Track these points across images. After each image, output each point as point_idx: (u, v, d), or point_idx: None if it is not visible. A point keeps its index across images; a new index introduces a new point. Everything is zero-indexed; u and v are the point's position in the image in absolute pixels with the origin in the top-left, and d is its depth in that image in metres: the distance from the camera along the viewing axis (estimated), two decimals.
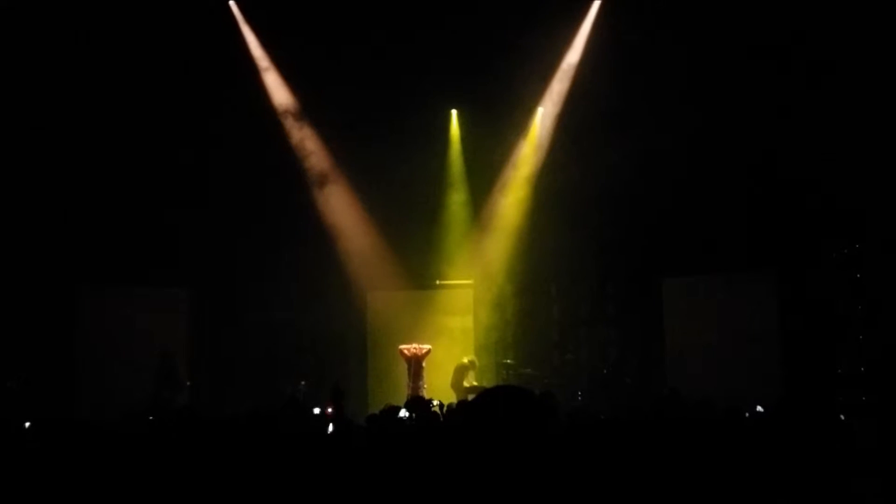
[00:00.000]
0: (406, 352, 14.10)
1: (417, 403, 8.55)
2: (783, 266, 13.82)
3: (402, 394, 13.54)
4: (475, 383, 14.00)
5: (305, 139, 15.34)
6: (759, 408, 8.50)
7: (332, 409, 9.55)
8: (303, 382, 13.89)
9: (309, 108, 15.24)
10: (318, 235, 15.11)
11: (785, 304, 13.76)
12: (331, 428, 6.88)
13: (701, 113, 13.63)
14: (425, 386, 13.86)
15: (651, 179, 14.25)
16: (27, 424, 6.83)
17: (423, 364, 14.09)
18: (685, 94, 13.67)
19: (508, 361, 14.70)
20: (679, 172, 14.04)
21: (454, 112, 15.66)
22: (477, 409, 2.49)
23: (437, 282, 15.55)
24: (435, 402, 10.33)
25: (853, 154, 13.00)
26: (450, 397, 13.49)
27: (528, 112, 15.34)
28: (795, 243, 13.70)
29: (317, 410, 9.94)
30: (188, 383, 14.24)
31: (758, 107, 13.52)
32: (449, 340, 15.14)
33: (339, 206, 15.44)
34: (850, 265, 13.34)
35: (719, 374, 13.41)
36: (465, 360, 14.49)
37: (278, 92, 15.24)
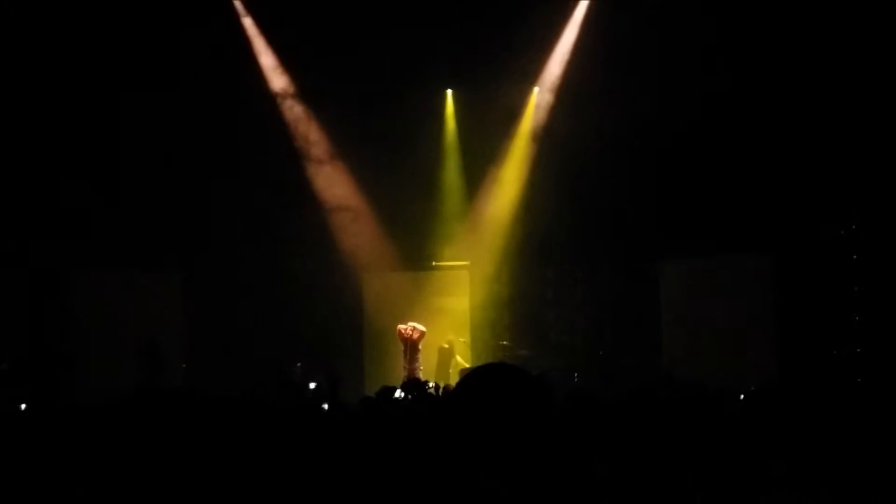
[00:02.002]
0: (403, 332, 14.09)
1: (413, 385, 8.54)
2: (780, 248, 13.81)
3: (399, 375, 13.53)
4: (467, 365, 13.99)
5: (301, 120, 15.28)
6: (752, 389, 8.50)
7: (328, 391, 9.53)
8: (298, 364, 13.89)
9: (304, 89, 15.17)
10: (314, 216, 15.07)
11: (781, 286, 13.76)
12: (326, 407, 6.87)
13: (697, 95, 13.59)
14: (421, 367, 13.87)
15: (648, 162, 14.23)
16: (22, 407, 6.82)
17: (419, 346, 14.08)
18: (680, 76, 13.63)
19: (504, 343, 14.70)
20: (676, 154, 14.02)
21: (449, 92, 15.59)
22: (468, 386, 2.46)
23: (433, 263, 15.54)
24: (431, 384, 10.32)
25: (851, 135, 12.99)
26: (444, 379, 13.49)
27: (525, 92, 15.28)
28: (792, 225, 13.69)
29: (312, 385, 9.95)
30: (183, 365, 14.24)
31: (755, 87, 13.48)
32: (444, 321, 15.14)
33: (335, 186, 15.40)
34: (847, 247, 13.35)
35: (716, 355, 13.42)
36: (445, 345, 14.43)
37: (274, 73, 15.16)
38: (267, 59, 15.05)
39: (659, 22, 13.41)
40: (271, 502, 4.56)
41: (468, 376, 2.48)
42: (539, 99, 15.32)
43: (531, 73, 15.09)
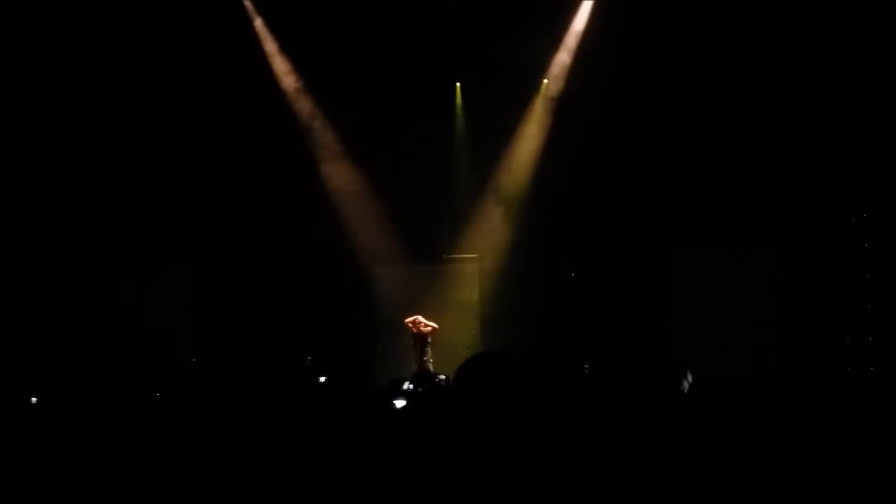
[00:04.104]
0: (412, 327, 14.09)
1: (423, 377, 8.55)
2: (792, 235, 13.76)
3: (409, 368, 13.54)
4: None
5: (311, 117, 15.28)
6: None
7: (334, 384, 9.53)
8: (309, 358, 13.92)
9: (314, 86, 15.17)
10: (324, 210, 15.11)
11: (793, 275, 13.71)
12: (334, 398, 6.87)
13: (705, 84, 13.57)
14: (431, 360, 13.88)
15: (656, 152, 14.22)
16: (34, 400, 6.85)
17: (430, 339, 14.08)
18: (688, 65, 13.62)
19: (515, 335, 14.69)
20: (683, 143, 14.00)
21: (458, 85, 15.57)
22: (467, 376, 2.45)
23: (443, 255, 15.58)
24: (442, 376, 10.31)
25: (865, 123, 12.93)
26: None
27: (534, 84, 15.23)
28: (804, 212, 13.64)
29: (322, 379, 9.96)
30: (193, 360, 14.29)
31: (762, 73, 13.44)
32: (455, 314, 15.17)
33: (345, 180, 15.41)
34: (860, 235, 13.29)
35: (728, 344, 13.39)
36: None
37: (284, 70, 15.16)
38: (278, 58, 15.06)
39: (669, 19, 13.43)
40: (279, 494, 4.57)
41: (465, 365, 2.47)
42: (548, 90, 15.26)
43: (541, 64, 15.05)
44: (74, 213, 14.18)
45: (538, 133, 15.30)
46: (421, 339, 14.03)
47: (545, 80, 15.25)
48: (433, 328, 14.10)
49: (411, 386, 7.49)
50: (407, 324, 14.15)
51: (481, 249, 15.56)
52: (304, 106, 15.24)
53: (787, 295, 13.75)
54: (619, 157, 14.24)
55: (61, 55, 13.65)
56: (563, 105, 15.00)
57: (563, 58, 15.05)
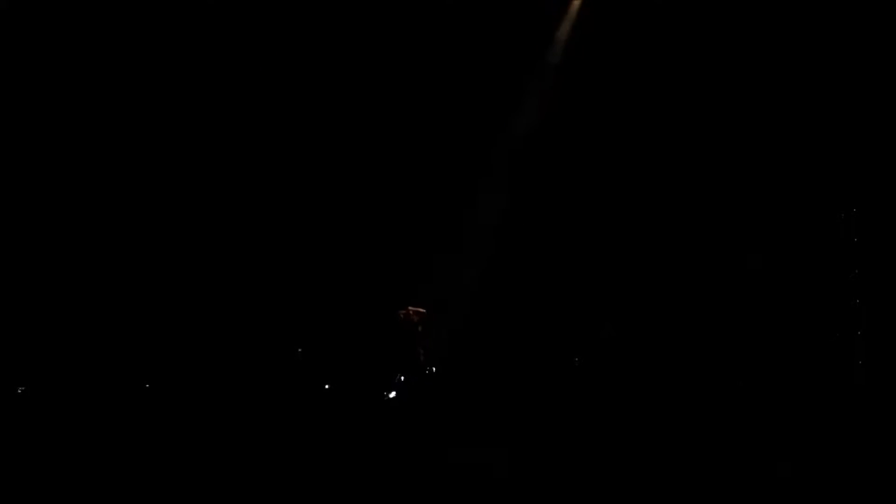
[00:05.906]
0: (402, 317, 14.10)
1: (414, 369, 8.57)
2: (775, 231, 13.84)
3: (400, 360, 13.53)
4: None
5: (304, 107, 15.31)
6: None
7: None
8: (299, 350, 13.93)
9: (306, 79, 15.18)
10: (315, 203, 15.14)
11: (777, 270, 13.78)
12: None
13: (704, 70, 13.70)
14: (422, 351, 13.88)
15: (652, 134, 14.33)
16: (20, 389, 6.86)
17: (419, 328, 14.08)
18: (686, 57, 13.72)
19: (509, 327, 14.73)
20: (679, 129, 14.11)
21: (455, 79, 15.54)
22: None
23: (437, 243, 15.62)
24: (432, 368, 10.34)
25: (851, 119, 13.03)
26: None
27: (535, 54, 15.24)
28: (787, 210, 13.73)
29: (314, 370, 10.01)
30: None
31: (761, 68, 13.55)
32: (447, 305, 15.18)
33: (337, 176, 15.45)
34: (847, 229, 13.38)
35: (713, 338, 13.45)
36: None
37: (273, 63, 15.16)
38: (266, 55, 15.08)
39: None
40: (272, 485, 4.61)
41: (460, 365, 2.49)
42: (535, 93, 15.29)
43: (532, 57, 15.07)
44: (83, 207, 14.19)
45: (536, 106, 15.29)
46: (411, 329, 14.04)
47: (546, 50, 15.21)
48: (422, 314, 14.12)
49: (402, 377, 7.53)
50: (398, 315, 14.15)
51: (476, 237, 15.58)
52: (295, 100, 15.24)
53: (775, 289, 13.82)
54: (620, 133, 14.37)
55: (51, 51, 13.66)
56: (566, 75, 14.98)
57: (564, 27, 15.04)
